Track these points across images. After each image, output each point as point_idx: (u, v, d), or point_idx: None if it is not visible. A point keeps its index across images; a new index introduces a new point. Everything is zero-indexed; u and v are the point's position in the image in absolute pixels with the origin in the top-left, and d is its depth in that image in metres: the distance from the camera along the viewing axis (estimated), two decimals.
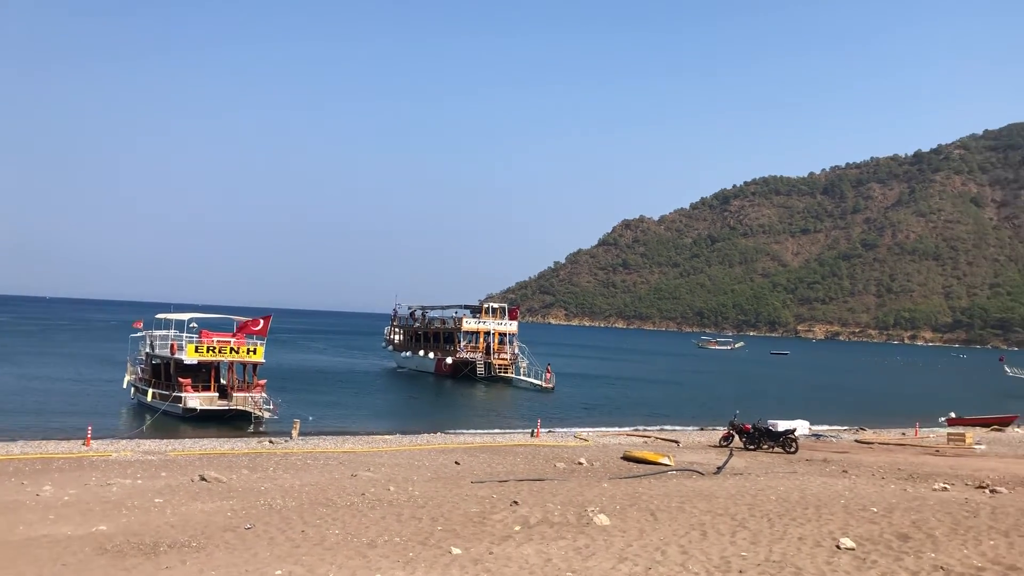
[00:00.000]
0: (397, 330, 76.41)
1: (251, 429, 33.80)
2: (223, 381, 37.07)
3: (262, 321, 37.57)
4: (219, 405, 35.77)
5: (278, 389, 41.37)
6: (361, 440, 30.14)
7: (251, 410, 35.40)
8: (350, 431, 33.96)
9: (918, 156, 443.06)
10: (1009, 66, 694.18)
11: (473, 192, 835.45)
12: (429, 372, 66.14)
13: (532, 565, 10.62)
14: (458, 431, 34.96)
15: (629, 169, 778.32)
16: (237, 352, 36.84)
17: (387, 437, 31.70)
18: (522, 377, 61.50)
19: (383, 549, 11.70)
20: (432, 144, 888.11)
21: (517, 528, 13.15)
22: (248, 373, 37.68)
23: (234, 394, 36.23)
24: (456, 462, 23.46)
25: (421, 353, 68.23)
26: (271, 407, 35.82)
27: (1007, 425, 43.80)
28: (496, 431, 35.63)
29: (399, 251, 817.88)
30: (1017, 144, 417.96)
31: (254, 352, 37.22)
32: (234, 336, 37.34)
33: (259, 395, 36.18)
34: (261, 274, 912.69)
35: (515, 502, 15.46)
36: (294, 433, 30.67)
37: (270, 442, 28.48)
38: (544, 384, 58.84)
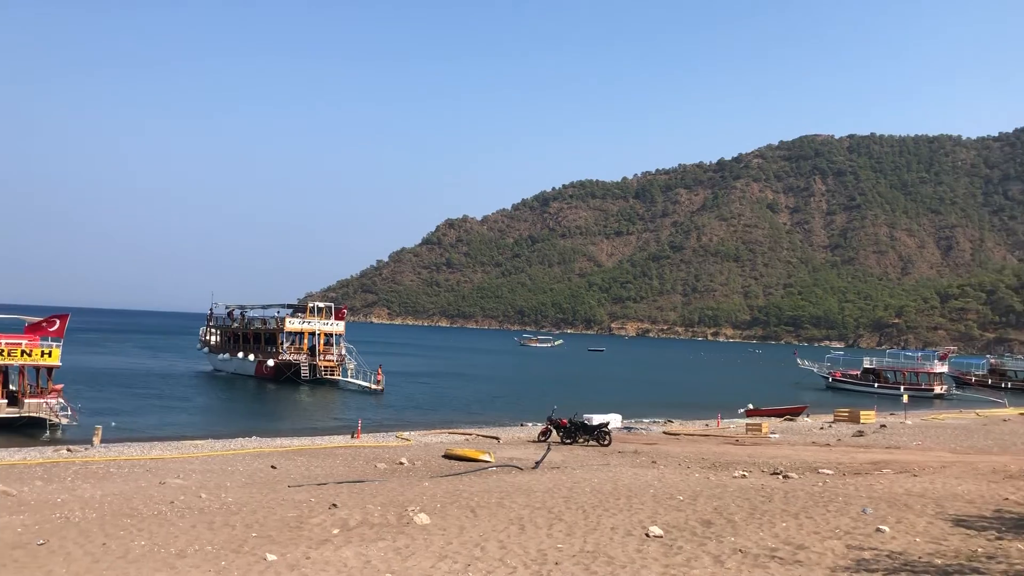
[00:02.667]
0: (213, 331, 72.24)
1: (46, 437, 31.36)
2: (12, 387, 34.20)
3: (58, 321, 34.89)
4: (8, 413, 32.95)
5: (78, 394, 38.60)
6: (170, 446, 28.61)
7: (45, 417, 32.83)
8: (159, 436, 32.19)
9: (721, 164, 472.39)
10: (802, 81, 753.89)
11: (293, 187, 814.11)
12: (249, 375, 62.84)
13: (351, 568, 10.48)
14: (275, 434, 33.88)
15: (453, 169, 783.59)
16: (29, 355, 34.03)
17: (199, 442, 30.28)
18: (350, 379, 59.54)
19: (193, 559, 11.17)
20: (251, 136, 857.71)
21: (336, 531, 12.93)
22: (42, 377, 34.92)
23: (26, 400, 33.46)
24: (272, 466, 22.76)
25: (240, 355, 64.59)
26: (69, 413, 33.36)
27: (798, 415, 47.42)
28: (315, 434, 34.84)
29: (211, 247, 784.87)
30: (807, 155, 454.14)
31: (49, 355, 34.46)
32: (25, 337, 34.47)
33: (55, 401, 33.61)
34: (54, 270, 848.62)
35: (334, 505, 15.19)
36: (95, 440, 28.71)
37: (68, 450, 26.53)
38: (374, 386, 57.46)
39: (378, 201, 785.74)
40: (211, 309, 73.51)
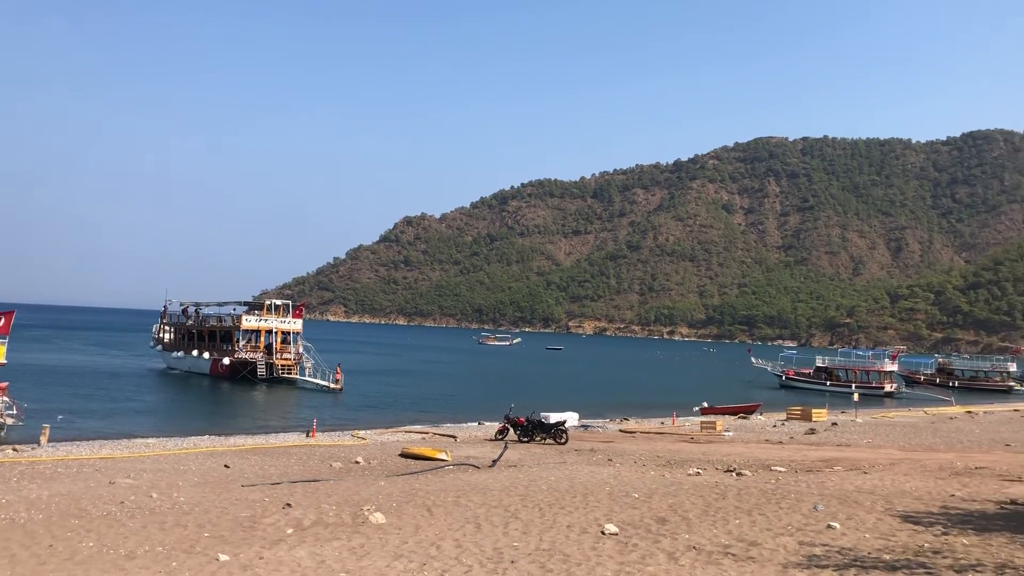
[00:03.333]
0: (167, 328, 70.71)
1: None
2: None
3: (3, 317, 34.01)
4: None
5: (24, 393, 37.70)
6: (120, 445, 28.09)
7: None
8: (108, 435, 31.55)
9: (678, 165, 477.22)
10: (758, 84, 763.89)
11: (248, 184, 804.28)
12: (204, 373, 61.50)
13: (305, 568, 10.37)
14: (229, 433, 33.41)
15: (412, 167, 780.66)
16: None
17: (150, 441, 29.76)
18: (308, 378, 58.68)
19: (143, 560, 10.97)
20: (208, 132, 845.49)
21: (290, 531, 12.79)
22: None
23: None
24: (226, 465, 22.44)
25: (195, 353, 63.15)
26: (15, 412, 32.52)
27: (752, 413, 48.06)
28: (270, 432, 34.44)
29: (165, 244, 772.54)
30: (762, 156, 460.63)
31: None
32: None
33: (0, 400, 32.76)
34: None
35: (288, 504, 15.03)
36: (43, 439, 28.04)
37: (13, 450, 25.89)
38: (333, 385, 56.66)
39: (336, 198, 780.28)
40: (165, 306, 72.11)
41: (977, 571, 9.31)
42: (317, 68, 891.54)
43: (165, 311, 71.77)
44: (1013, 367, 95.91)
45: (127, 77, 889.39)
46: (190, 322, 66.60)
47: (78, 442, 28.74)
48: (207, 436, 31.78)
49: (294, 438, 31.39)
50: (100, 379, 58.65)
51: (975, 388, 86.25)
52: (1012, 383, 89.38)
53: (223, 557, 10.89)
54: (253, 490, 17.45)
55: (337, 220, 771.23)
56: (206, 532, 12.73)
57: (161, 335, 71.68)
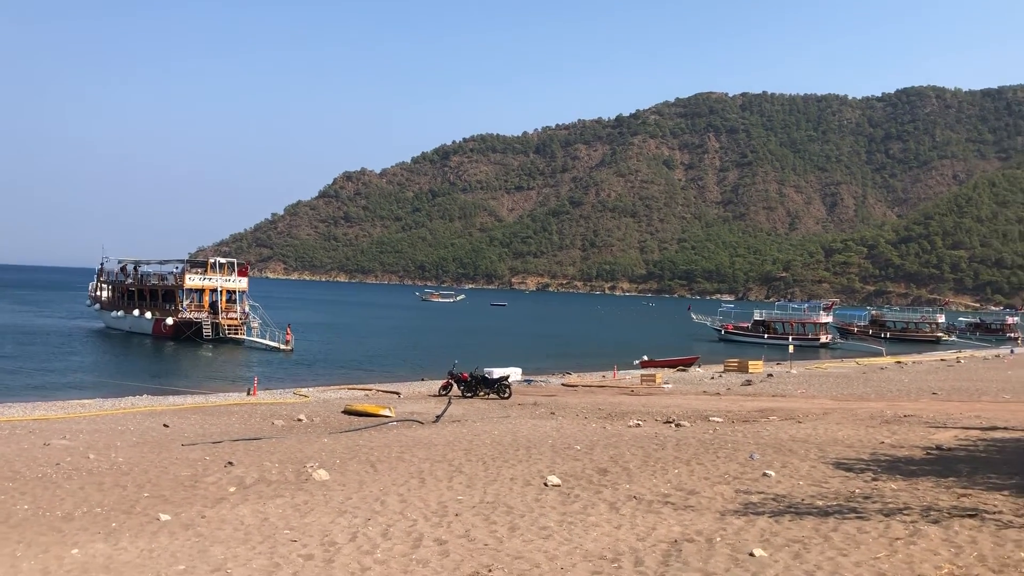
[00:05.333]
0: (105, 287, 68.74)
1: None
2: None
3: None
4: None
5: None
6: (55, 406, 27.46)
7: None
8: (42, 396, 30.84)
9: (619, 120, 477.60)
10: (698, 40, 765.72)
11: (180, 137, 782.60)
12: (146, 334, 59.78)
13: (248, 526, 10.32)
14: (168, 392, 32.89)
15: (350, 120, 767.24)
16: None
17: (86, 402, 29.16)
18: (255, 338, 57.65)
19: (81, 521, 10.80)
20: (139, 84, 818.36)
21: (232, 489, 12.71)
22: None
23: None
24: (165, 425, 22.12)
25: (136, 313, 61.09)
26: None
27: (690, 365, 49.01)
28: (210, 391, 34.01)
29: (95, 200, 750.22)
30: (702, 112, 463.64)
31: None
32: None
33: None
34: None
35: (230, 463, 14.91)
36: None
37: None
38: (283, 345, 55.64)
39: (273, 152, 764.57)
40: (102, 264, 70.06)
41: (904, 514, 9.68)
42: (257, 16, 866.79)
43: (102, 269, 69.75)
44: (942, 318, 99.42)
45: (59, 14, 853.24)
46: (129, 280, 64.85)
47: (10, 403, 28.02)
48: (145, 396, 31.25)
49: (235, 397, 31.05)
50: (34, 339, 57.04)
51: (906, 339, 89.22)
52: (940, 334, 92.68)
53: (164, 517, 10.78)
54: (194, 449, 17.26)
55: (275, 175, 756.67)
56: (146, 492, 12.57)
57: (98, 294, 69.74)
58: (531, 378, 39.03)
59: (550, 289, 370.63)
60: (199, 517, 10.84)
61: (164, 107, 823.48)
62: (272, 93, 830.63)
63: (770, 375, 42.55)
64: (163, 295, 60.92)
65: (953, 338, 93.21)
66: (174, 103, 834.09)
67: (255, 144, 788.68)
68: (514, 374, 34.72)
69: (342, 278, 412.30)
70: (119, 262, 67.43)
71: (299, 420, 23.36)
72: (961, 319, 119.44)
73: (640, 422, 21.54)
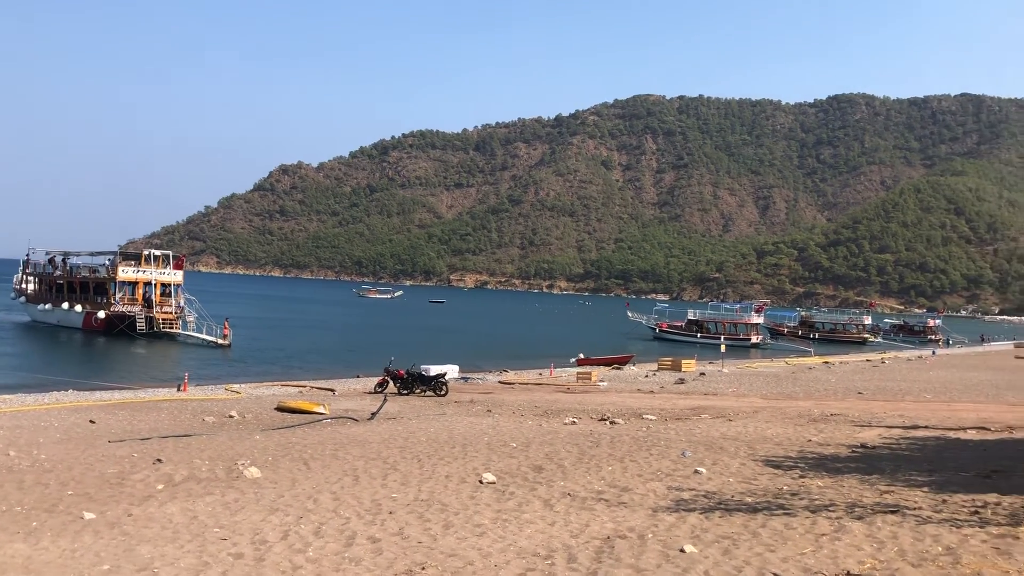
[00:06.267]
0: (31, 279, 66.22)
1: None
2: None
3: None
4: None
5: None
6: None
7: None
8: None
9: (559, 120, 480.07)
10: (637, 42, 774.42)
11: (112, 125, 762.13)
12: (76, 328, 57.86)
13: (176, 524, 10.11)
14: (95, 388, 31.97)
15: (287, 112, 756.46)
16: None
17: (7, 397, 28.18)
18: (191, 333, 56.32)
19: (0, 520, 10.45)
20: (66, 70, 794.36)
21: (160, 487, 12.43)
22: None
23: None
24: (91, 421, 21.51)
25: (65, 306, 59.09)
26: None
27: (625, 364, 49.51)
28: (139, 387, 33.19)
29: (20, 189, 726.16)
30: (640, 114, 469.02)
31: None
32: None
33: None
34: None
35: (159, 460, 14.59)
36: None
37: None
38: (220, 340, 54.22)
39: (206, 144, 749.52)
40: (27, 255, 67.59)
41: (830, 511, 9.94)
42: (194, 5, 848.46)
43: (28, 260, 67.36)
44: (868, 320, 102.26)
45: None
46: (57, 273, 62.72)
47: None
48: (71, 391, 30.33)
49: (164, 392, 30.38)
50: None
51: (834, 340, 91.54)
52: (866, 335, 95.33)
53: (88, 515, 10.49)
54: (121, 446, 16.83)
55: (209, 167, 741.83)
56: (70, 490, 12.22)
57: (24, 286, 67.31)
58: (468, 375, 39.01)
59: (489, 287, 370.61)
60: (125, 515, 10.58)
61: (91, 93, 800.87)
62: (206, 82, 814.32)
63: (703, 374, 43.26)
64: (94, 288, 59.09)
65: (878, 339, 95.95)
66: (102, 89, 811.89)
67: (188, 135, 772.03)
68: (451, 371, 34.64)
69: (277, 273, 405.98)
70: (47, 253, 65.23)
71: (231, 417, 22.96)
72: (886, 321, 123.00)
73: (576, 420, 21.70)
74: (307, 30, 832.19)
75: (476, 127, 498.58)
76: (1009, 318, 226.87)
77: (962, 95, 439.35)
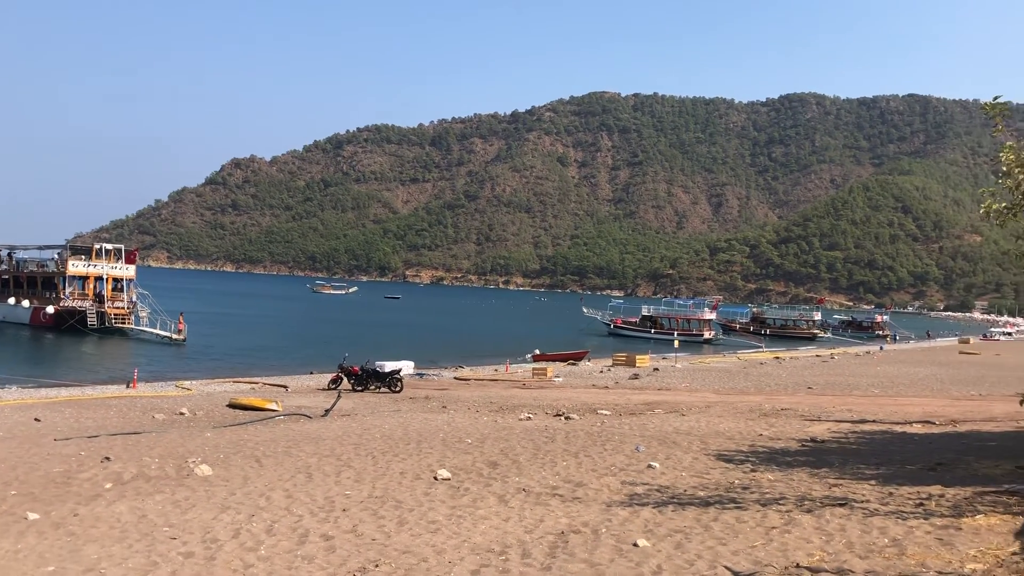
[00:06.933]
0: None
1: None
2: None
3: None
4: None
5: None
6: None
7: None
8: None
9: (515, 116, 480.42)
10: (593, 39, 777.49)
11: (57, 116, 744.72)
12: (23, 323, 56.58)
13: (124, 523, 9.92)
14: (41, 385, 31.25)
15: (239, 105, 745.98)
16: None
17: None
18: (144, 328, 55.36)
19: None
20: (12, 60, 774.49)
21: (108, 486, 12.19)
22: None
23: None
24: (36, 419, 21.03)
25: (11, 301, 57.77)
26: None
27: (581, 359, 49.80)
28: (87, 383, 32.53)
29: None
30: (595, 111, 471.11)
31: None
32: None
33: None
34: None
35: (107, 458, 14.30)
36: None
37: None
38: (175, 336, 53.55)
39: (157, 137, 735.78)
40: None
41: (780, 504, 10.09)
42: None
43: None
44: (818, 316, 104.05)
45: None
46: (3, 267, 61.15)
47: None
48: (14, 388, 29.64)
49: (114, 389, 29.83)
50: None
51: (784, 335, 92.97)
52: (816, 331, 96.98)
53: (32, 516, 10.25)
54: (67, 444, 16.48)
55: (160, 161, 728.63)
56: (13, 490, 11.92)
57: None
58: (424, 372, 38.94)
59: (444, 283, 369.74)
60: (71, 515, 10.35)
61: (31, 83, 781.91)
62: (156, 73, 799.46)
63: (656, 369, 43.66)
64: (42, 282, 57.85)
65: (828, 335, 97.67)
66: (44, 79, 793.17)
67: (139, 126, 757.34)
68: (406, 368, 34.55)
69: (229, 268, 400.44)
70: None
71: (181, 414, 22.62)
72: (835, 317, 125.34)
73: (531, 415, 21.75)
74: (259, 20, 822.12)
75: (432, 122, 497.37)
76: (953, 314, 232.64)
77: (909, 96, 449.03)
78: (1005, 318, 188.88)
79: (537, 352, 51.46)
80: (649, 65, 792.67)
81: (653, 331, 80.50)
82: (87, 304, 55.15)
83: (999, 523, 8.22)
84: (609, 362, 47.97)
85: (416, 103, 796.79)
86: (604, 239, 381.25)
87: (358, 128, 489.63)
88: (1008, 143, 10.21)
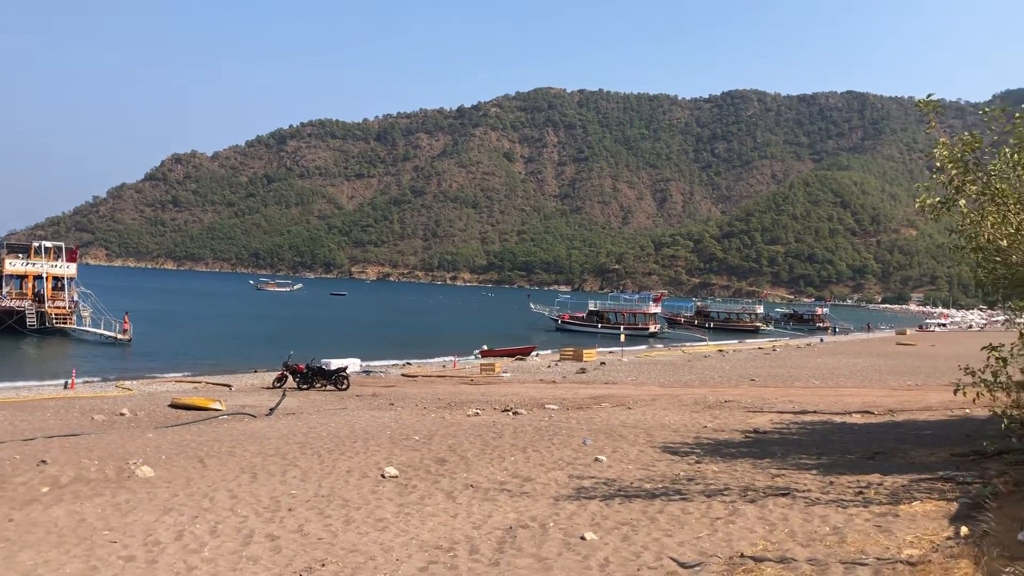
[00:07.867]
0: None
1: None
2: None
3: None
4: None
5: None
6: None
7: None
8: None
9: (461, 111, 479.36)
10: (537, 35, 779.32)
11: None
12: None
13: (62, 528, 9.68)
14: None
15: (179, 99, 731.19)
16: None
17: None
18: (87, 328, 53.92)
19: None
20: None
21: (45, 489, 11.87)
22: None
23: None
24: None
25: None
26: None
27: (528, 355, 49.97)
28: (21, 384, 31.64)
29: None
30: (541, 107, 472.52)
31: None
32: None
33: None
34: None
35: (43, 461, 13.92)
36: None
37: None
38: (120, 336, 52.18)
39: (94, 131, 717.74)
40: None
41: (724, 495, 10.24)
42: None
43: None
44: (760, 309, 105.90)
45: None
46: None
47: None
48: None
49: (51, 391, 29.06)
50: None
51: (728, 328, 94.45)
52: (759, 324, 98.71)
53: None
54: (2, 447, 16.01)
55: (96, 155, 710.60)
56: None
57: None
58: (370, 368, 38.68)
59: (391, 279, 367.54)
60: (6, 520, 10.07)
61: None
62: (92, 64, 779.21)
63: (603, 363, 43.98)
64: None
65: (770, 328, 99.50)
66: None
67: (75, 121, 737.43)
68: (352, 365, 34.28)
69: (170, 265, 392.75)
70: None
71: (122, 415, 22.13)
72: (777, 310, 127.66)
73: (479, 411, 21.76)
74: (203, 12, 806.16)
75: (377, 117, 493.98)
76: (891, 306, 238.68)
77: (848, 93, 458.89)
78: (940, 309, 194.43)
79: (485, 348, 51.47)
80: (594, 62, 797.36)
81: (600, 325, 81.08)
82: (26, 304, 53.55)
83: (934, 509, 8.45)
84: (556, 357, 48.19)
85: (360, 98, 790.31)
86: (551, 234, 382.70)
87: (301, 123, 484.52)
88: (941, 139, 10.47)
